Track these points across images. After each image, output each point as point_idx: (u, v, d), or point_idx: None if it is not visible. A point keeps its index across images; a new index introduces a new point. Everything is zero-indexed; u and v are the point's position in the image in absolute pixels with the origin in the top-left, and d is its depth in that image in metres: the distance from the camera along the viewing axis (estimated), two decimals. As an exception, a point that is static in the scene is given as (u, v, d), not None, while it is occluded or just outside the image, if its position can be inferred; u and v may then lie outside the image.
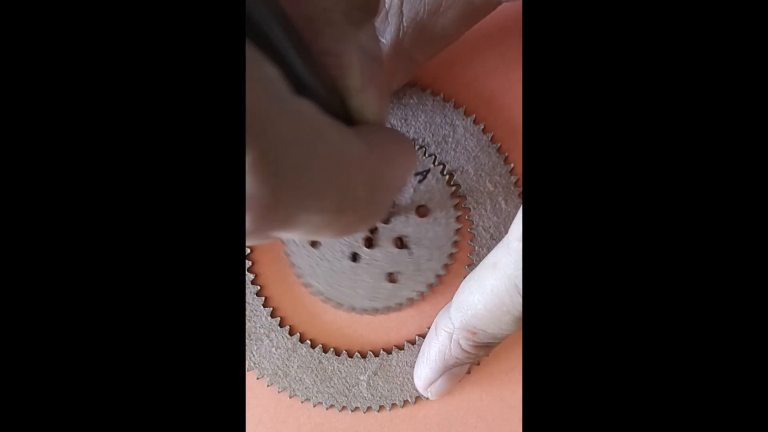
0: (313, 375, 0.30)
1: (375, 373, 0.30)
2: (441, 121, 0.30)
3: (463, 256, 0.30)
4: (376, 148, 0.17)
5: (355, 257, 0.29)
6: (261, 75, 0.13)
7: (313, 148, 0.14)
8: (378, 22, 0.26)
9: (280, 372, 0.30)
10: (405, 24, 0.26)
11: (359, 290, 0.29)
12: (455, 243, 0.30)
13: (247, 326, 0.30)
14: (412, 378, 0.29)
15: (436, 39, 0.27)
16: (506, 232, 0.24)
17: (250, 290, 0.30)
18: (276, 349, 0.30)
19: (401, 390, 0.30)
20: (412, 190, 0.29)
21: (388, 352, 0.30)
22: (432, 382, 0.28)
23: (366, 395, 0.30)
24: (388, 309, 0.30)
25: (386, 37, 0.26)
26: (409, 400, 0.30)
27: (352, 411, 0.30)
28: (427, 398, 0.29)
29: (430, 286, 0.30)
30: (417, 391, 0.29)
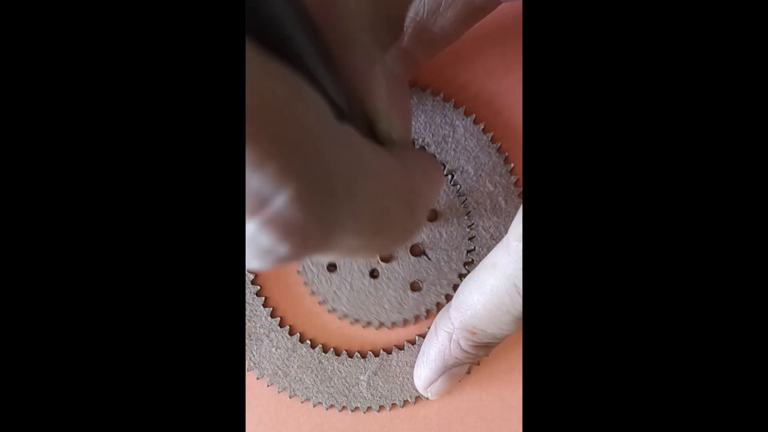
0: (313, 375, 0.30)
1: (375, 373, 0.30)
2: (441, 121, 0.30)
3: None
4: (410, 168, 0.17)
5: (374, 273, 0.30)
6: (311, 101, 0.13)
7: (356, 174, 0.14)
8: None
9: (280, 372, 0.30)
10: (405, 24, 0.26)
11: (385, 305, 0.30)
12: (471, 239, 0.30)
13: (247, 326, 0.30)
14: (412, 378, 0.29)
15: (436, 39, 0.27)
16: (506, 232, 0.24)
17: (250, 290, 0.30)
18: (276, 349, 0.30)
19: (401, 390, 0.30)
20: None
21: (388, 352, 0.30)
22: (432, 382, 0.28)
23: (366, 395, 0.30)
24: (417, 318, 0.30)
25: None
26: (409, 400, 0.30)
27: (352, 411, 0.30)
28: (427, 398, 0.29)
29: (455, 287, 0.29)
30: (417, 391, 0.29)
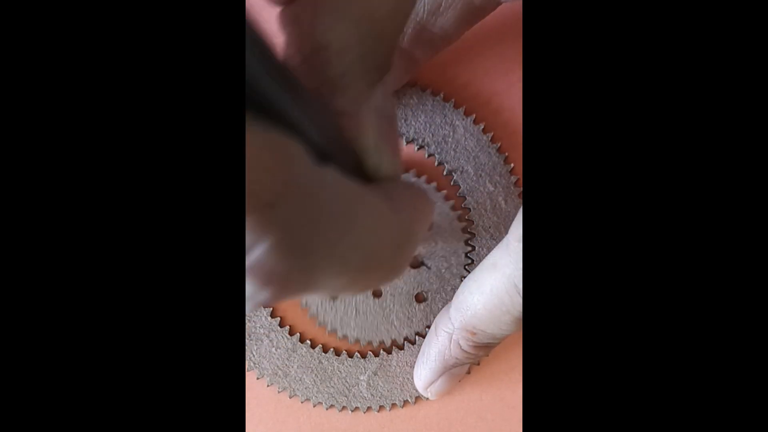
0: (313, 375, 0.30)
1: (375, 373, 0.30)
2: (441, 121, 0.30)
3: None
4: (398, 205, 0.17)
5: (377, 293, 0.30)
6: (285, 155, 0.13)
7: (340, 217, 0.14)
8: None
9: (280, 372, 0.30)
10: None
11: (394, 322, 0.30)
12: (467, 242, 0.30)
13: (247, 326, 0.30)
14: (412, 378, 0.29)
15: (436, 39, 0.27)
16: (506, 232, 0.24)
17: (250, 290, 0.30)
18: (276, 349, 0.30)
19: (401, 390, 0.30)
20: None
21: (388, 352, 0.30)
22: (432, 383, 0.28)
23: (366, 395, 0.30)
24: (428, 327, 0.29)
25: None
26: (409, 400, 0.30)
27: (352, 411, 0.30)
28: (427, 398, 0.29)
29: None
30: (417, 391, 0.29)
